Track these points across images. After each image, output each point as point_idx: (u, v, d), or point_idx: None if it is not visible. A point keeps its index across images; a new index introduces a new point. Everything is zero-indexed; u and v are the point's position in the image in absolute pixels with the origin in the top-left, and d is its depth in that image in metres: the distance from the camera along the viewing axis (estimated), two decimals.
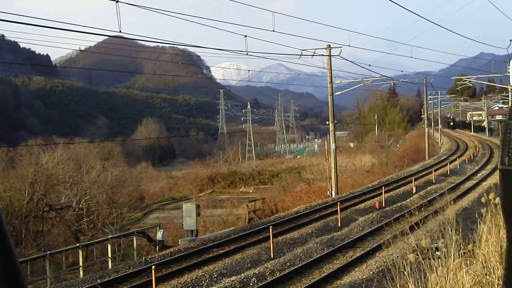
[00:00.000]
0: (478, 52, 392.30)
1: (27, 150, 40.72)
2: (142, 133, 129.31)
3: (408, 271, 5.96)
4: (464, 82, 55.24)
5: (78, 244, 21.07)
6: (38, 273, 20.53)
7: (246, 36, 20.87)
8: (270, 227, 17.16)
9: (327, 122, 33.92)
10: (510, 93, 64.24)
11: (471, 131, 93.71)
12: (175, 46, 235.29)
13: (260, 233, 19.46)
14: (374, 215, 21.01)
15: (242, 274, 13.54)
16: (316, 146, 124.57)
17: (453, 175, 34.90)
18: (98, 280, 14.30)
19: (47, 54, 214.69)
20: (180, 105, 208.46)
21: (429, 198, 23.67)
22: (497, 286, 5.14)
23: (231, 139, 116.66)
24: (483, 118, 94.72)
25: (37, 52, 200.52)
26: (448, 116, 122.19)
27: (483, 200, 6.58)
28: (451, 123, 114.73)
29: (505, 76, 42.26)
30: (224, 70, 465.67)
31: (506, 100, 74.87)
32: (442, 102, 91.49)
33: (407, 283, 5.83)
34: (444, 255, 5.81)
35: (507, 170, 1.35)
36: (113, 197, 39.35)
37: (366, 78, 41.85)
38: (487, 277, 5.30)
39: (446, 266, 5.57)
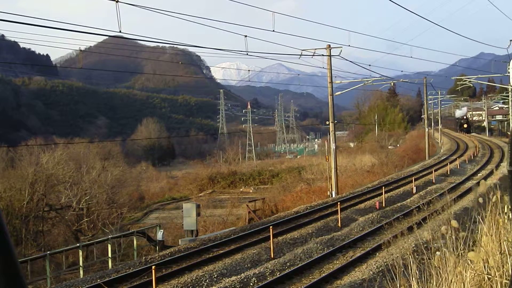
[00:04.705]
0: (478, 52, 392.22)
1: (27, 150, 40.72)
2: (142, 133, 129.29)
3: (408, 271, 5.96)
4: (464, 82, 55.22)
5: (78, 244, 21.06)
6: (38, 273, 20.53)
7: (246, 36, 20.88)
8: (270, 227, 17.16)
9: (327, 122, 33.92)
10: (510, 93, 64.22)
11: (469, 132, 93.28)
12: (175, 46, 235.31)
13: (260, 233, 19.46)
14: (374, 215, 21.01)
15: (242, 274, 13.54)
16: (316, 146, 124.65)
17: (453, 175, 34.90)
18: (98, 280, 14.30)
19: (47, 54, 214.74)
20: (180, 105, 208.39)
21: (429, 198, 23.66)
22: (498, 283, 5.14)
23: (231, 139, 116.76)
24: (483, 118, 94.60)
25: (37, 52, 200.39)
26: (461, 116, 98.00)
27: (480, 200, 6.58)
28: (465, 125, 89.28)
29: (505, 76, 42.24)
30: (224, 70, 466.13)
31: (506, 100, 74.84)
32: (442, 102, 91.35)
33: (408, 283, 5.83)
34: (445, 254, 5.80)
35: None
36: (113, 197, 39.34)
37: (366, 78, 41.86)
38: (488, 275, 5.30)
39: (447, 266, 5.57)
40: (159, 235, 22.66)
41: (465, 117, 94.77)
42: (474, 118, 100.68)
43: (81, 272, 19.09)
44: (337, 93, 37.28)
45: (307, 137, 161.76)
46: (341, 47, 30.90)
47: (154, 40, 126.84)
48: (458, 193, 25.20)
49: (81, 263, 19.45)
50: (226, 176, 67.98)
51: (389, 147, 76.19)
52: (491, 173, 33.51)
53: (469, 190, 26.34)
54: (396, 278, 5.97)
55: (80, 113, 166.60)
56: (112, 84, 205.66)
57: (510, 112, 64.46)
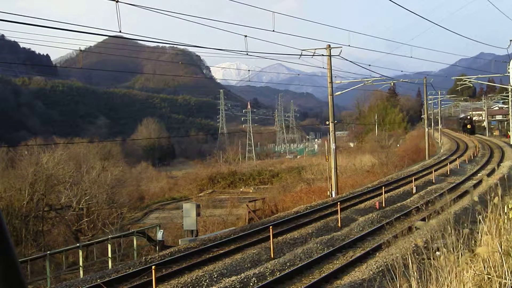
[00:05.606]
0: (478, 52, 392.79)
1: (27, 150, 40.69)
2: (142, 133, 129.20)
3: (408, 271, 5.96)
4: (464, 82, 55.24)
5: (78, 244, 21.06)
6: (38, 273, 20.52)
7: (246, 36, 20.86)
8: (270, 227, 17.16)
9: (327, 122, 33.92)
10: (510, 93, 64.20)
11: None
12: (175, 46, 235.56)
13: (260, 233, 19.47)
14: (374, 215, 21.01)
15: (242, 274, 13.54)
16: (316, 146, 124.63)
17: (453, 175, 34.88)
18: (98, 280, 14.30)
19: (47, 54, 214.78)
20: (180, 105, 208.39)
21: (429, 198, 23.65)
22: (498, 283, 5.15)
23: (231, 139, 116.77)
24: (483, 118, 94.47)
25: (37, 52, 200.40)
26: (463, 116, 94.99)
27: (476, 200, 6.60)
28: (468, 126, 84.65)
29: (505, 76, 42.23)
30: (224, 70, 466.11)
31: (506, 100, 74.76)
32: (442, 102, 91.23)
33: (408, 283, 5.83)
34: (445, 254, 5.80)
35: None
36: (113, 197, 39.31)
37: (366, 78, 41.91)
38: (488, 275, 5.30)
39: (447, 266, 5.57)
40: (159, 235, 22.65)
41: (468, 117, 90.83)
42: (474, 118, 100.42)
43: (81, 272, 19.09)
44: (337, 93, 37.28)
45: (307, 137, 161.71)
46: (341, 47, 30.95)
47: (154, 40, 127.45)
48: (458, 193, 25.17)
49: (81, 263, 19.45)
50: (226, 176, 67.96)
51: (397, 145, 76.12)
52: (491, 173, 33.48)
53: (469, 190, 26.35)
54: (396, 278, 5.97)
55: (80, 113, 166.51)
56: (112, 84, 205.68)
57: (510, 112, 64.45)
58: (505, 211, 6.41)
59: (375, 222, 19.95)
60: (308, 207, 24.97)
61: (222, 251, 16.79)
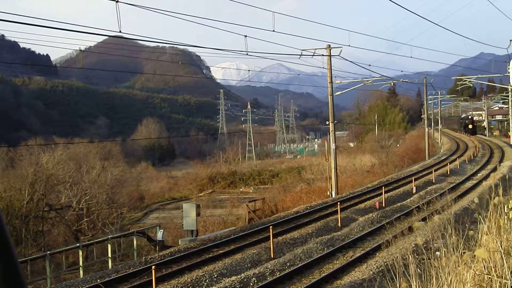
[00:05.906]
0: (478, 52, 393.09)
1: (27, 150, 40.67)
2: (142, 133, 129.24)
3: (408, 271, 5.96)
4: (464, 82, 55.23)
5: (78, 244, 21.06)
6: (38, 273, 20.51)
7: (246, 36, 20.87)
8: (270, 227, 17.15)
9: (327, 122, 33.92)
10: (510, 93, 64.22)
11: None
12: (175, 46, 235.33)
13: (260, 233, 19.47)
14: (374, 215, 21.00)
15: (242, 274, 13.54)
16: (316, 146, 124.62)
17: (453, 175, 34.88)
18: (98, 280, 14.30)
19: (47, 54, 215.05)
20: (180, 105, 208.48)
21: (429, 198, 23.65)
22: (498, 284, 5.14)
23: (231, 139, 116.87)
24: (483, 118, 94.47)
25: (37, 52, 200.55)
26: (464, 116, 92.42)
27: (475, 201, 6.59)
28: (470, 126, 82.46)
29: (505, 76, 42.21)
30: (224, 70, 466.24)
31: (506, 100, 74.76)
32: (442, 102, 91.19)
33: (408, 283, 5.83)
34: (445, 254, 5.80)
35: None
36: (113, 197, 39.32)
37: (366, 78, 41.85)
38: (488, 275, 5.30)
39: (447, 266, 5.57)
40: (159, 235, 22.65)
41: (469, 117, 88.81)
42: (474, 118, 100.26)
43: (81, 272, 19.09)
44: (337, 93, 37.28)
45: (307, 137, 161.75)
46: (341, 47, 30.96)
47: (154, 40, 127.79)
48: (458, 193, 25.19)
49: (81, 263, 19.45)
50: (226, 176, 67.96)
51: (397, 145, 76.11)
52: (491, 173, 33.46)
53: (469, 190, 26.35)
54: (396, 278, 5.96)
55: (80, 113, 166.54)
56: (112, 84, 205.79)
57: (510, 112, 64.47)
58: (505, 211, 6.41)
59: (375, 222, 19.95)
60: (308, 207, 24.97)
61: (222, 251, 16.79)
